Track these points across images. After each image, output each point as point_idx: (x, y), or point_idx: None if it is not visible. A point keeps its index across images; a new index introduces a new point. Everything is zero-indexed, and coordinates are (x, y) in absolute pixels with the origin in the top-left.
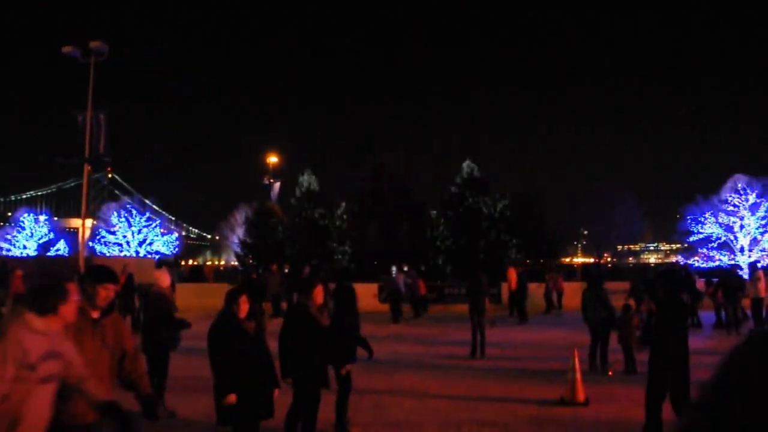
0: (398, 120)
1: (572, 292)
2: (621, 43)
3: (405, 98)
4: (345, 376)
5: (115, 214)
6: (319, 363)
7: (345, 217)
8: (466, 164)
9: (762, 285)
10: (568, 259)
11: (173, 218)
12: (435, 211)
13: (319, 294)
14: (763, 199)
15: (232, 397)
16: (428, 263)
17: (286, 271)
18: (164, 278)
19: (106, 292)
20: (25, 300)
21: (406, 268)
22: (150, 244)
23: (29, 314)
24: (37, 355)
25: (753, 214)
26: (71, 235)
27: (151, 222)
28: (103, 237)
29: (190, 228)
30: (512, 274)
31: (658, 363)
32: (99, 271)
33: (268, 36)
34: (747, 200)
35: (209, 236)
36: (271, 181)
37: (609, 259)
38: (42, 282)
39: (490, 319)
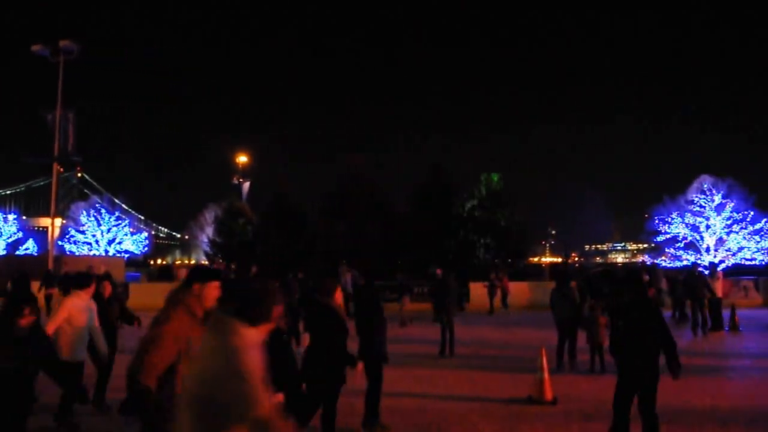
0: (368, 120)
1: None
2: (590, 45)
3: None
4: (377, 372)
5: (85, 213)
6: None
7: (315, 216)
8: (435, 164)
9: (719, 285)
10: (536, 259)
11: (143, 217)
12: (404, 211)
13: (339, 295)
14: (728, 200)
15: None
16: (397, 262)
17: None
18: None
19: (215, 292)
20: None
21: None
22: (119, 243)
23: (242, 327)
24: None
25: (718, 214)
26: (40, 234)
27: (120, 221)
28: (73, 236)
29: (160, 227)
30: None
31: (634, 363)
32: (206, 271)
33: (243, 38)
34: (712, 201)
35: (179, 235)
36: (241, 180)
37: (576, 259)
38: (254, 289)
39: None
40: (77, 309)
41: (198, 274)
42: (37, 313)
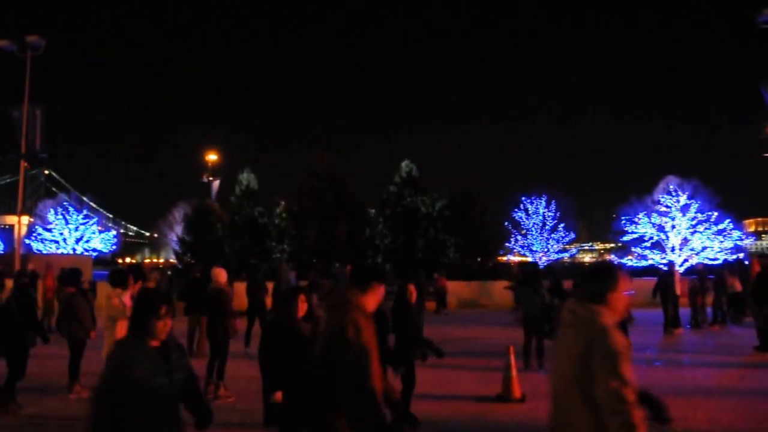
0: (338, 119)
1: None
2: (561, 45)
3: (344, 98)
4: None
5: (52, 211)
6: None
7: (284, 215)
8: (404, 164)
9: (677, 284)
10: (504, 258)
11: (111, 215)
12: (374, 210)
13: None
14: (693, 201)
15: (278, 395)
16: (367, 262)
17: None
18: (222, 275)
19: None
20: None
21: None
22: (87, 241)
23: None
24: None
25: (684, 214)
26: (7, 233)
27: (88, 219)
28: (40, 234)
29: (129, 225)
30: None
31: None
32: (376, 271)
33: (213, 34)
34: (678, 201)
35: (148, 234)
36: (210, 179)
37: (543, 258)
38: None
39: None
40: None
41: (373, 274)
42: None
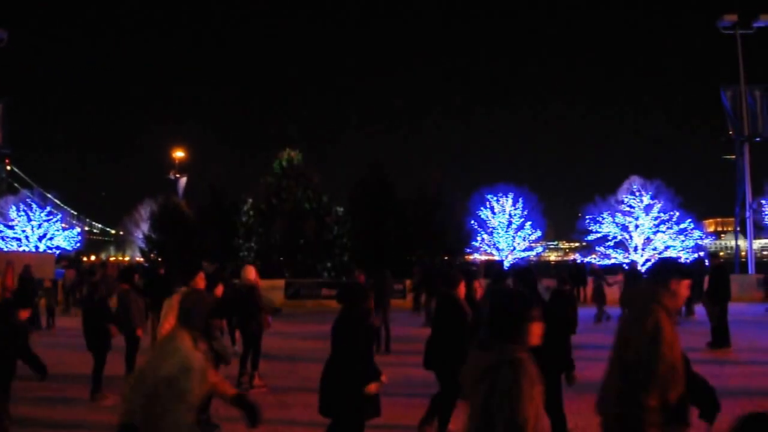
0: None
1: None
2: (528, 45)
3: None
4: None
5: (14, 207)
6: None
7: (251, 213)
8: (373, 162)
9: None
10: (471, 257)
11: (75, 212)
12: (341, 208)
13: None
14: (656, 201)
15: (372, 387)
16: (334, 260)
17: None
18: (252, 272)
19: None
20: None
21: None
22: (50, 239)
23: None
24: None
25: (647, 214)
26: None
27: (51, 216)
28: (1, 231)
29: (93, 223)
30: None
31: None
32: (679, 267)
33: (177, 29)
34: (641, 201)
35: (113, 231)
36: (177, 176)
37: (509, 257)
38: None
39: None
40: None
41: (674, 269)
42: None
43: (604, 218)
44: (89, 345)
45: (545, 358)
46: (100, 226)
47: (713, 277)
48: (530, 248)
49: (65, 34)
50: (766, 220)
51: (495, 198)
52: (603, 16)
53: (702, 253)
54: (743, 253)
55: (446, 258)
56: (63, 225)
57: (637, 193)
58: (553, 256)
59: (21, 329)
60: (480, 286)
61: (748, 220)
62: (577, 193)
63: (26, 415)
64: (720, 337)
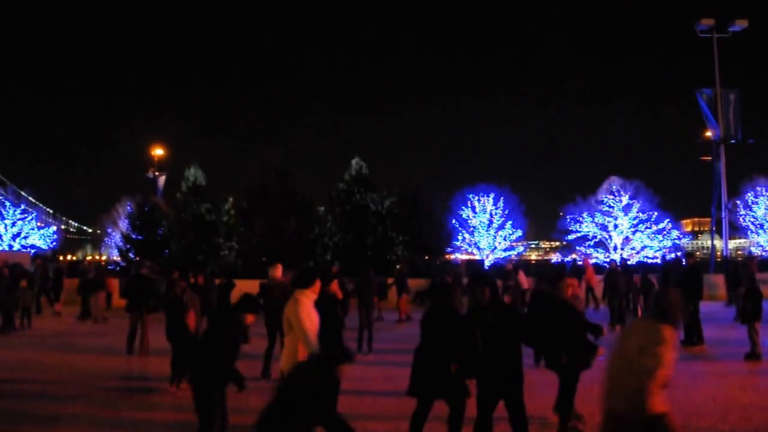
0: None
1: None
2: (510, 45)
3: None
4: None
5: None
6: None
7: (232, 212)
8: (354, 161)
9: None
10: (452, 256)
11: (51, 211)
12: (323, 208)
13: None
14: (634, 201)
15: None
16: (316, 259)
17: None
18: (278, 270)
19: None
20: None
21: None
22: (25, 237)
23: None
24: None
25: (626, 214)
26: None
27: (26, 214)
28: None
29: (70, 221)
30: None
31: (494, 368)
32: None
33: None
34: (620, 201)
35: (90, 230)
36: (156, 174)
37: (490, 256)
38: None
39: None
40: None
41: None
42: None
43: (584, 218)
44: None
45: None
46: (76, 224)
47: (687, 276)
48: (511, 248)
49: (40, 28)
50: (741, 220)
51: (476, 197)
52: (583, 17)
53: (680, 253)
54: (719, 253)
55: (426, 257)
56: (38, 223)
57: (617, 194)
58: (533, 256)
59: None
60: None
61: (723, 220)
62: (558, 193)
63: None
64: (692, 334)
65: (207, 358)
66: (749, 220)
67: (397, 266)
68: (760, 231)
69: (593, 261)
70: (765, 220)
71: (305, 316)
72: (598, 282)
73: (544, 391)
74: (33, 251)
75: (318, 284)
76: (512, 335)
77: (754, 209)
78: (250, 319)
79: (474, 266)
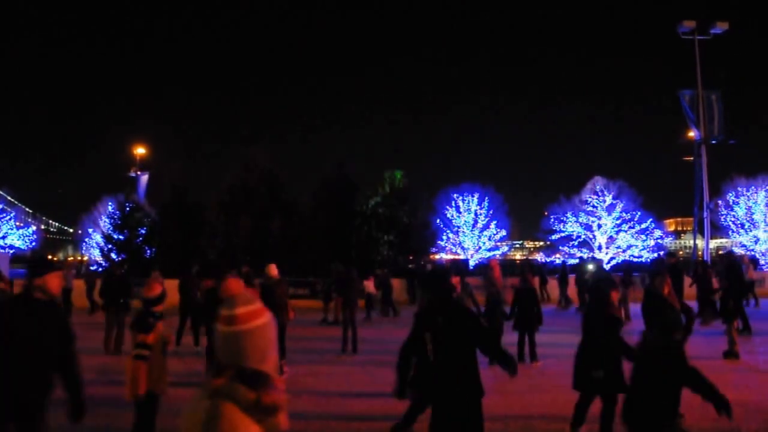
0: (270, 113)
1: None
2: (497, 47)
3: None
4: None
5: None
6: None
7: (215, 211)
8: (338, 161)
9: None
10: (436, 256)
11: (30, 210)
12: (307, 207)
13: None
14: (618, 201)
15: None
16: (300, 259)
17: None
18: (273, 269)
19: None
20: None
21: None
22: (3, 237)
23: None
24: None
25: (609, 214)
26: None
27: (4, 214)
28: None
29: (50, 221)
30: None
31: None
32: None
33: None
34: (604, 201)
35: (71, 230)
36: (138, 173)
37: (475, 256)
38: None
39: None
40: None
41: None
42: None
43: (568, 218)
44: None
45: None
46: (57, 224)
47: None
48: (495, 247)
49: (21, 28)
50: (722, 220)
51: (461, 197)
52: (568, 19)
53: (662, 252)
54: (700, 252)
55: (411, 257)
56: (17, 223)
57: (600, 194)
58: (518, 255)
59: None
60: None
61: (705, 220)
62: (542, 193)
63: None
64: None
65: None
66: (730, 220)
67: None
68: (741, 230)
69: (577, 261)
70: (746, 219)
71: None
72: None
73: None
74: (11, 251)
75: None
76: (464, 341)
77: (735, 209)
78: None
79: (458, 266)
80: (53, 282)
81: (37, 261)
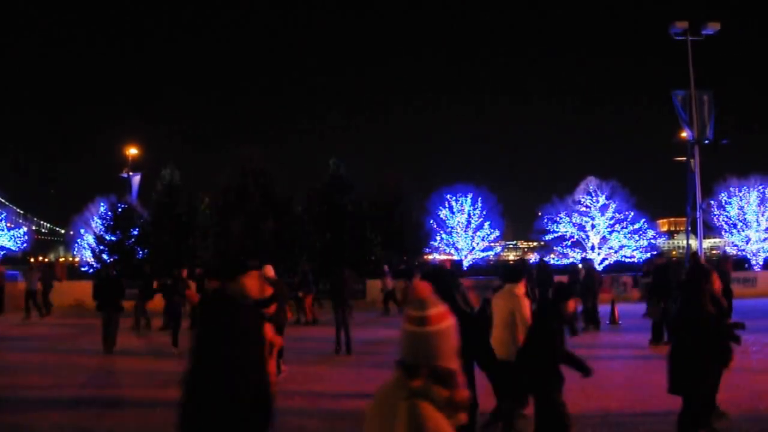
0: (263, 114)
1: None
2: (490, 50)
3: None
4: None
5: None
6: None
7: (208, 212)
8: (332, 162)
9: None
10: (430, 256)
11: (21, 211)
12: (300, 208)
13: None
14: (611, 201)
15: None
16: (293, 260)
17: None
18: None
19: None
20: None
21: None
22: None
23: None
24: None
25: (602, 214)
26: None
27: None
28: None
29: (42, 222)
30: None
31: None
32: None
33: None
34: (597, 201)
35: (63, 231)
36: (131, 174)
37: (468, 256)
38: None
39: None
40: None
41: None
42: None
43: (561, 218)
44: None
45: None
46: (48, 225)
47: (655, 275)
48: (489, 248)
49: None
50: (715, 220)
51: (454, 198)
52: (561, 20)
53: (655, 253)
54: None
55: (405, 257)
56: (8, 224)
57: (593, 194)
58: (511, 256)
59: None
60: None
61: (698, 220)
62: (535, 193)
63: None
64: (660, 333)
65: None
66: (723, 220)
67: (303, 266)
68: (734, 230)
69: (570, 261)
70: (738, 219)
71: None
72: None
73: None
74: (2, 252)
75: None
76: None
77: (727, 209)
78: None
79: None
80: (250, 283)
81: (231, 263)
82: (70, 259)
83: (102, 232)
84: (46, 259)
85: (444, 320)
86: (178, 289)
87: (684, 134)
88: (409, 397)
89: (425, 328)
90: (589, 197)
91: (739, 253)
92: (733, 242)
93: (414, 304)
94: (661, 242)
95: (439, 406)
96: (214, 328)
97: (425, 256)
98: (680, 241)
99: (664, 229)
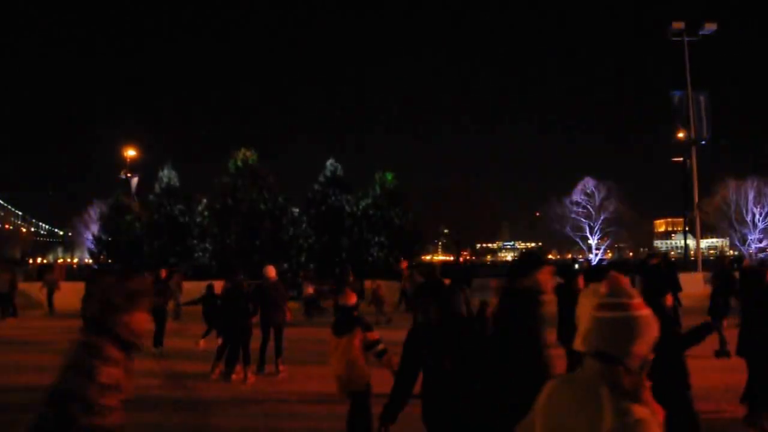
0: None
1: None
2: (488, 51)
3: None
4: None
5: None
6: None
7: (206, 213)
8: (329, 163)
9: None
10: (428, 257)
11: (21, 213)
12: (298, 209)
13: None
14: (609, 201)
15: None
16: (291, 261)
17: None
18: (272, 271)
19: None
20: None
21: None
22: None
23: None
24: None
25: (600, 214)
26: None
27: None
28: None
29: (41, 224)
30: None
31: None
32: None
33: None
34: (595, 202)
35: (61, 232)
36: (129, 175)
37: (467, 257)
38: None
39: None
40: None
41: None
42: None
43: (559, 218)
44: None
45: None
46: (47, 227)
47: (647, 276)
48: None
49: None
50: (712, 219)
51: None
52: (558, 21)
53: (649, 253)
54: (692, 252)
55: (402, 259)
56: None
57: (591, 194)
58: (509, 256)
59: None
60: None
61: (696, 220)
62: (534, 194)
63: None
64: None
65: None
66: (720, 220)
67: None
68: (731, 230)
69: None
70: (734, 219)
71: None
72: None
73: None
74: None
75: None
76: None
77: (724, 209)
78: None
79: (452, 266)
80: (544, 278)
81: (526, 258)
82: (69, 260)
83: (100, 233)
84: (45, 261)
85: (646, 308)
86: (158, 290)
87: (681, 135)
88: (616, 395)
89: (632, 312)
90: (587, 198)
91: (736, 252)
92: (729, 241)
93: (613, 291)
94: (659, 242)
95: (638, 400)
96: (523, 320)
97: (423, 257)
98: (678, 241)
99: (662, 229)
